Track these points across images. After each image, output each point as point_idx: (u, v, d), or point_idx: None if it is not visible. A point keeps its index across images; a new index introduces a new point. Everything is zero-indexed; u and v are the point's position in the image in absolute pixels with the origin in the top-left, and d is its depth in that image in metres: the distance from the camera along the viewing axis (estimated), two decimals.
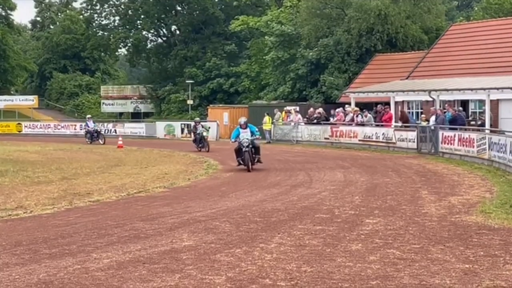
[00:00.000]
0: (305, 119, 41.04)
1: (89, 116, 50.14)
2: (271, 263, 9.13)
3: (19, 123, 59.28)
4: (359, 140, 35.21)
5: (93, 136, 44.05)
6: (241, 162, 23.86)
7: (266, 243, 10.57)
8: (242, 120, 24.96)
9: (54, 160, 29.28)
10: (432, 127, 29.52)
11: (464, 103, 35.78)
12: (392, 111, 36.02)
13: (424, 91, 35.14)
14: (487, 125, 30.09)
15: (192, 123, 39.66)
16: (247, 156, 23.65)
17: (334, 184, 19.14)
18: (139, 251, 10.01)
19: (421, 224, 12.18)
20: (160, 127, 51.70)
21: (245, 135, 23.88)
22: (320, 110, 40.88)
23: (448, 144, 27.91)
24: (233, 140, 24.38)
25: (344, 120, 37.62)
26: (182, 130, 49.76)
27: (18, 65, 76.69)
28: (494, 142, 23.29)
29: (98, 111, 72.46)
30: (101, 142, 42.72)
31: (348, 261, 9.24)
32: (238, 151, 23.95)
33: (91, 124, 45.41)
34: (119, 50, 78.54)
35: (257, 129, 24.94)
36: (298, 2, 55.35)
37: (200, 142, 35.59)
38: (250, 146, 23.80)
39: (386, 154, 30.61)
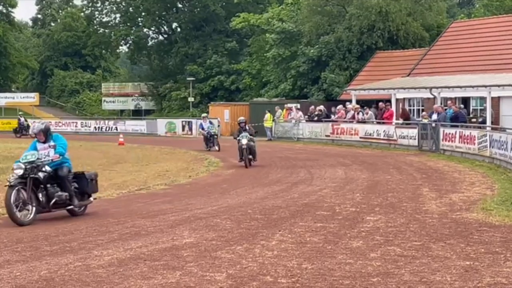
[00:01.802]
0: (306, 116, 41.03)
1: (204, 114, 37.52)
2: (272, 260, 9.13)
3: None
4: (360, 138, 35.18)
5: (209, 140, 33.24)
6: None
7: (267, 240, 10.58)
8: (36, 127, 13.58)
9: None
10: (433, 124, 29.52)
11: (465, 100, 35.76)
12: (393, 108, 36.01)
13: (425, 88, 35.15)
14: (488, 122, 30.07)
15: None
16: (12, 197, 12.39)
17: (335, 181, 19.14)
18: (140, 248, 10.01)
19: (422, 221, 12.18)
20: (161, 125, 51.73)
21: (31, 156, 12.99)
22: (321, 107, 40.87)
23: (449, 141, 27.89)
24: (15, 166, 12.86)
25: (345, 118, 37.61)
26: (183, 127, 49.77)
27: (19, 62, 76.71)
28: (495, 139, 23.28)
29: (99, 108, 72.50)
30: (217, 149, 32.51)
31: (349, 258, 9.24)
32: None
33: (206, 125, 34.18)
34: (120, 47, 78.72)
35: (60, 143, 13.51)
36: (299, 0, 55.35)
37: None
38: (45, 174, 13.01)
39: (387, 152, 30.61)
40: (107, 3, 71.73)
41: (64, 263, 9.08)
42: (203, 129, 34.03)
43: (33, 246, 10.31)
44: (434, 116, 30.59)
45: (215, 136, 33.49)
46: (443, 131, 28.36)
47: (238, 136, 24.89)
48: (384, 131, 33.68)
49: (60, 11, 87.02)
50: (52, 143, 13.41)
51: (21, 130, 50.77)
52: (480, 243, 10.21)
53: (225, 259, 9.25)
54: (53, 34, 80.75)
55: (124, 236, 11.06)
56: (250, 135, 24.61)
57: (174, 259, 9.28)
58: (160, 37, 73.48)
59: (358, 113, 36.65)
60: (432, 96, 35.03)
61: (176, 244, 10.31)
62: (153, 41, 74.01)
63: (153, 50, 72.24)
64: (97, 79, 78.48)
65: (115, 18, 72.72)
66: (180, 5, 70.32)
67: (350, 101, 39.63)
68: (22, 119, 52.05)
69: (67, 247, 10.20)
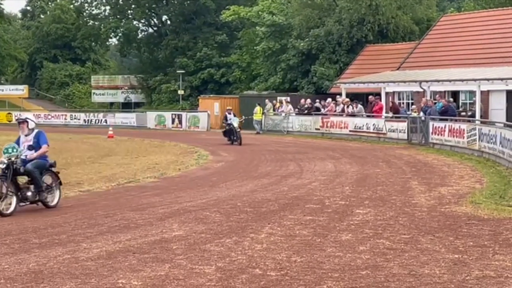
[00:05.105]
0: (296, 109, 41.02)
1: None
2: (261, 253, 9.14)
3: (9, 113, 59.01)
4: (350, 131, 35.22)
5: None
6: None
7: (256, 233, 10.58)
8: None
9: None
10: (423, 118, 29.58)
11: (455, 94, 35.83)
12: (383, 102, 36.06)
13: (415, 82, 35.18)
14: (478, 116, 30.16)
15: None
16: None
17: (325, 174, 19.16)
18: (129, 241, 10.00)
19: (411, 215, 12.21)
20: (151, 117, 51.63)
21: None
22: (308, 101, 40.81)
23: (438, 134, 27.96)
24: None
25: (335, 111, 37.62)
26: (173, 120, 49.67)
27: (8, 54, 76.25)
28: (484, 133, 23.36)
29: (89, 101, 72.26)
30: None
31: (338, 251, 9.26)
32: None
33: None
34: (109, 40, 78.29)
35: None
36: None
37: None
38: None
39: (377, 145, 30.65)
40: None
41: (53, 256, 9.06)
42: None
43: (22, 239, 10.28)
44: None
45: None
46: (433, 124, 28.44)
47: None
48: (373, 124, 33.73)
49: (50, 3, 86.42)
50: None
51: (229, 134, 33.00)
52: (469, 236, 10.25)
53: (214, 252, 9.25)
54: (43, 26, 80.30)
55: (113, 229, 11.04)
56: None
57: (163, 251, 9.27)
58: (150, 30, 73.17)
59: (347, 107, 36.69)
60: (421, 90, 35.09)
61: (165, 237, 10.30)
62: (143, 33, 73.71)
63: (143, 43, 71.97)
64: (86, 71, 78.14)
65: (104, 10, 72.36)
66: None
67: (340, 94, 39.64)
68: (231, 115, 33.71)
69: (56, 240, 10.17)
